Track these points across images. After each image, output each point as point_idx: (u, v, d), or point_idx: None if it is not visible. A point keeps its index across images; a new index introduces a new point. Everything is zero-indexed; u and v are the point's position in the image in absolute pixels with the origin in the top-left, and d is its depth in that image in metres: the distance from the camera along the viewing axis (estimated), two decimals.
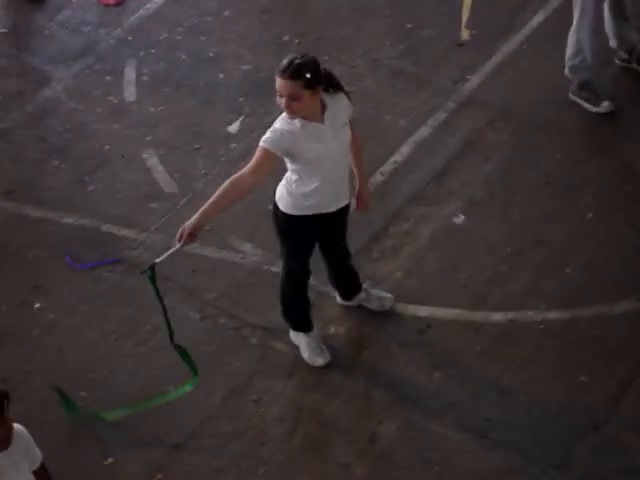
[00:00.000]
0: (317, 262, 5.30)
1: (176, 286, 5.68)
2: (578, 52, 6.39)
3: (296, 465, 4.98)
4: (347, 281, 5.45)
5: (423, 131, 6.50)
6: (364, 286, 5.51)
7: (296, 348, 5.36)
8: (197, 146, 6.49)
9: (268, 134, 4.71)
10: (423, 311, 5.55)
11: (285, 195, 4.91)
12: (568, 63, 6.47)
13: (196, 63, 7.01)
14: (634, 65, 6.67)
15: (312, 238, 5.10)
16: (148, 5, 7.42)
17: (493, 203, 6.08)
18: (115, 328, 5.55)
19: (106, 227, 6.04)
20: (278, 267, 5.49)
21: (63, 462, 4.44)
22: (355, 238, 5.63)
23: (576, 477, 4.84)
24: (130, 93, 6.83)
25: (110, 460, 4.99)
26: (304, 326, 5.30)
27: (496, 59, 6.91)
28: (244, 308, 5.60)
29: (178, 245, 4.74)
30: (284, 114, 4.74)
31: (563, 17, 6.79)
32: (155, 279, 4.76)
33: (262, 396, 5.22)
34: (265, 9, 7.37)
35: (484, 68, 6.83)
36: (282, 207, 4.93)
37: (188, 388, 5.03)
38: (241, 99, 6.75)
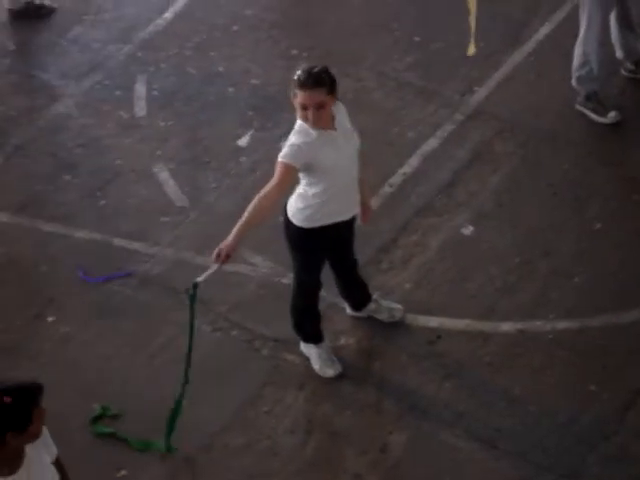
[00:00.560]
0: (327, 274, 5.33)
1: (187, 298, 5.70)
2: (585, 63, 6.43)
3: (307, 476, 5.00)
4: (356, 292, 5.48)
5: (431, 143, 6.54)
6: (374, 297, 5.54)
7: (307, 359, 5.40)
8: (207, 160, 6.54)
9: (286, 149, 4.74)
10: (433, 322, 5.57)
11: (299, 209, 4.94)
12: (575, 74, 6.51)
13: (205, 78, 7.07)
14: None
15: (325, 250, 5.14)
16: (158, 21, 7.48)
17: (501, 214, 6.11)
18: (128, 341, 5.59)
19: (118, 241, 6.08)
20: (289, 279, 5.53)
21: (76, 474, 4.45)
22: (364, 249, 5.67)
23: None
24: (140, 108, 6.89)
25: (123, 472, 5.03)
26: (315, 338, 5.34)
27: (503, 71, 6.95)
28: (255, 320, 5.63)
29: (216, 266, 4.77)
30: (298, 127, 4.77)
31: (569, 29, 6.83)
32: (195, 299, 4.77)
33: (273, 408, 5.25)
34: (273, 24, 7.42)
35: (491, 80, 6.86)
36: (296, 221, 4.95)
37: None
38: (250, 113, 6.80)
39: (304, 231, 4.96)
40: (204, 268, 5.72)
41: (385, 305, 5.54)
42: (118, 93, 6.99)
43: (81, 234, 6.13)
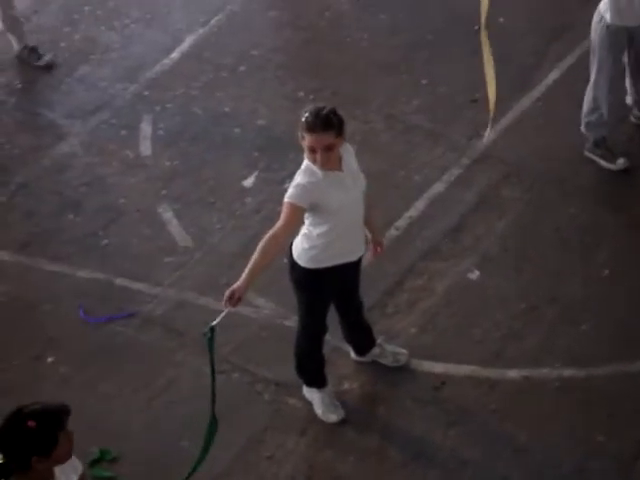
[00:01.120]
0: (332, 317, 5.28)
1: (189, 340, 5.66)
2: (595, 109, 6.40)
3: None
4: (361, 336, 5.42)
5: (438, 186, 6.51)
6: (378, 341, 5.48)
7: (309, 404, 5.33)
8: (212, 200, 6.51)
9: (292, 190, 4.68)
10: (438, 367, 5.51)
11: (304, 249, 4.89)
12: (584, 120, 6.48)
13: (211, 118, 7.06)
14: None
15: (330, 292, 5.08)
16: (164, 61, 7.49)
17: (508, 259, 6.06)
18: (128, 382, 5.52)
19: (120, 281, 6.03)
20: (292, 321, 5.48)
21: None
22: (369, 292, 5.62)
23: None
24: (146, 147, 6.87)
25: None
26: (318, 382, 5.27)
27: (511, 115, 6.93)
28: (257, 363, 5.57)
29: (230, 308, 4.69)
30: (304, 167, 4.74)
31: (578, 74, 6.82)
32: (213, 342, 4.70)
33: (275, 452, 5.17)
34: (280, 65, 7.42)
35: (499, 124, 6.84)
36: (301, 262, 4.90)
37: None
38: (256, 154, 6.78)
39: (309, 272, 4.91)
40: (207, 309, 5.71)
41: (390, 349, 5.48)
42: (124, 132, 6.98)
43: (83, 273, 6.09)
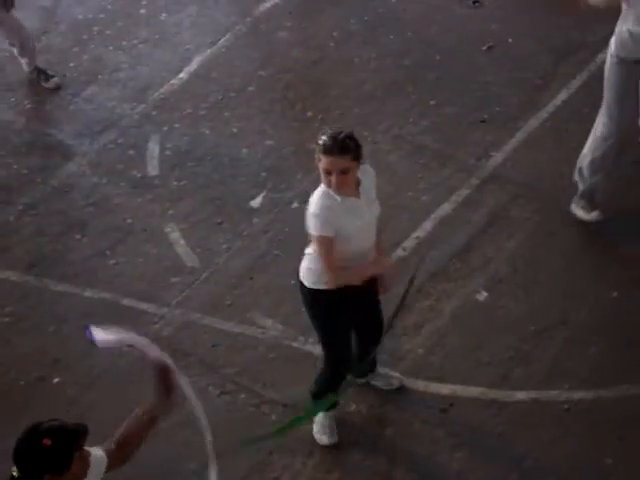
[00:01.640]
0: None
1: (195, 360, 5.64)
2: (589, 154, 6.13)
3: None
4: (367, 363, 5.36)
5: (446, 207, 6.48)
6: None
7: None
8: (219, 220, 6.49)
9: (314, 220, 4.65)
10: (445, 389, 5.47)
11: (311, 271, 4.84)
12: (578, 165, 6.24)
13: (219, 138, 7.05)
14: None
15: (343, 313, 4.95)
16: (173, 81, 7.49)
17: (516, 280, 6.03)
18: (134, 404, 5.48)
19: (127, 301, 6.02)
20: (299, 343, 5.46)
21: None
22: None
23: None
24: (153, 167, 6.87)
25: None
26: (328, 407, 5.21)
27: (520, 136, 6.90)
28: (264, 384, 5.54)
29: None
30: (319, 192, 4.69)
31: (587, 95, 6.81)
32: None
33: (281, 474, 5.14)
34: (288, 85, 7.42)
35: (507, 145, 6.82)
36: (307, 283, 4.86)
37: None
38: (264, 174, 6.76)
39: (316, 293, 4.87)
40: (212, 329, 5.71)
41: (382, 372, 5.41)
42: (131, 152, 6.97)
43: (90, 294, 6.07)
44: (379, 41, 7.73)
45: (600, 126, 6.03)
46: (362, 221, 4.74)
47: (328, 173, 4.62)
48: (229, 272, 6.15)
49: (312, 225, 4.67)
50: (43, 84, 7.43)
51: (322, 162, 4.63)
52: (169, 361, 3.98)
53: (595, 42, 6.82)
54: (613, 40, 5.81)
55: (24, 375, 5.64)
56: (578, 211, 6.29)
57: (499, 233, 6.31)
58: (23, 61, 7.49)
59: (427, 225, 6.37)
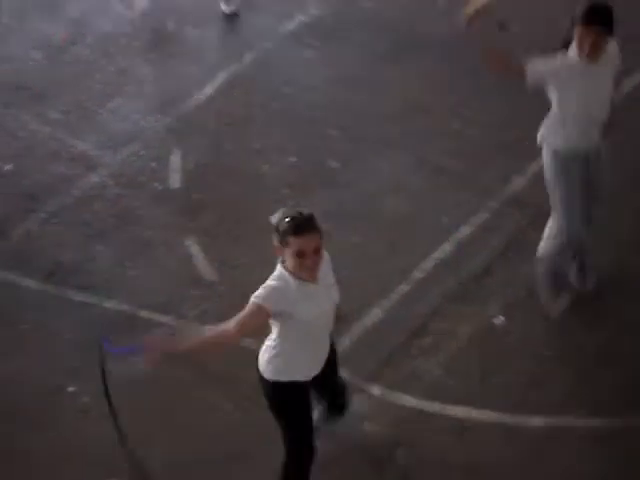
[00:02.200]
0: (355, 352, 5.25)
1: (210, 374, 5.65)
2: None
3: None
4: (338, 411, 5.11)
5: (465, 230, 6.48)
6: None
7: (329, 443, 5.26)
8: (238, 235, 6.51)
9: (262, 290, 4.39)
10: (461, 412, 5.45)
11: (269, 361, 4.58)
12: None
13: (241, 154, 7.08)
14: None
15: (302, 404, 4.68)
16: (197, 95, 7.53)
17: (533, 305, 6.01)
18: (150, 416, 5.50)
19: (145, 313, 6.03)
20: None
21: None
22: (394, 334, 5.58)
23: None
24: (175, 180, 6.90)
25: None
26: None
27: (541, 161, 6.89)
28: None
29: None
30: (277, 273, 4.42)
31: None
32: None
33: None
34: (312, 103, 7.44)
35: (529, 169, 6.81)
36: (265, 375, 4.60)
37: None
38: (285, 191, 6.78)
39: (273, 385, 4.61)
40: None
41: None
42: (154, 165, 7.01)
43: (108, 304, 6.09)
44: (404, 61, 7.75)
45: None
46: (318, 309, 4.45)
47: (301, 255, 4.31)
48: (247, 287, 6.12)
49: (258, 292, 4.39)
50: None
51: (292, 245, 4.32)
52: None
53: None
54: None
55: (40, 383, 5.66)
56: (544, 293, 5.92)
57: (517, 257, 6.30)
58: None
59: (446, 247, 6.37)
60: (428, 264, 6.27)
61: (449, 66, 7.65)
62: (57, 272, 6.30)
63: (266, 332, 4.62)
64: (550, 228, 5.77)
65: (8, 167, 7.01)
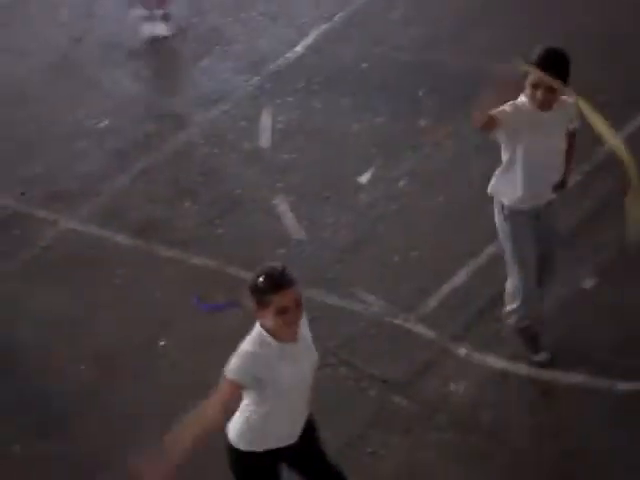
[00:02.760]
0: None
1: None
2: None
3: None
4: None
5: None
6: None
7: (415, 402, 5.28)
8: (327, 195, 6.53)
9: (236, 361, 4.01)
10: (547, 375, 5.41)
11: (245, 433, 4.18)
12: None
13: (331, 113, 7.08)
14: None
15: (277, 472, 4.31)
16: (288, 54, 7.54)
17: (625, 268, 5.91)
18: None
19: (233, 270, 6.10)
20: (401, 320, 5.45)
21: None
22: (481, 295, 5.56)
23: None
24: (264, 139, 6.94)
25: None
26: None
27: (636, 122, 6.76)
28: (364, 359, 5.56)
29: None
30: (256, 337, 4.06)
31: None
32: None
33: (377, 450, 5.16)
34: (402, 63, 7.40)
35: (624, 130, 6.67)
36: (232, 443, 4.19)
37: None
38: (373, 150, 6.77)
39: (244, 454, 4.21)
40: (314, 302, 5.74)
41: None
42: (243, 124, 7.05)
43: (197, 261, 6.17)
44: (495, 22, 7.65)
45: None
46: (299, 370, 4.11)
47: (284, 312, 3.98)
48: (334, 246, 6.19)
49: (231, 365, 4.02)
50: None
51: (275, 303, 3.98)
52: None
53: None
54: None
55: (132, 336, 5.77)
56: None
57: (608, 220, 6.20)
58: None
59: None
60: None
61: (540, 28, 7.54)
62: (147, 228, 6.40)
63: None
64: (507, 287, 5.30)
65: (102, 124, 7.12)
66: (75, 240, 6.35)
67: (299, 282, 4.03)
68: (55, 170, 6.81)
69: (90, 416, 5.25)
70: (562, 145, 5.02)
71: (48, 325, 5.84)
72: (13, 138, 7.10)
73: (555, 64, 4.74)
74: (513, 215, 5.05)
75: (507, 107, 4.84)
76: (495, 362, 5.50)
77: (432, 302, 5.72)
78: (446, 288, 5.83)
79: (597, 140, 6.59)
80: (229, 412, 4.13)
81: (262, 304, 4.01)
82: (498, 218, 5.11)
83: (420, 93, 7.15)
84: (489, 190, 5.09)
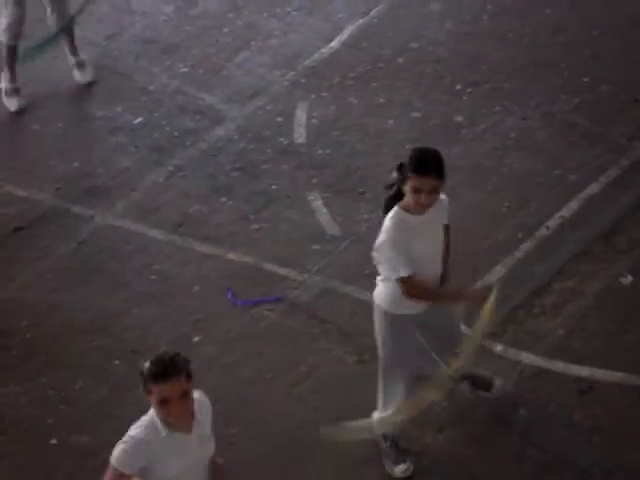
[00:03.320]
0: None
1: (334, 328, 5.68)
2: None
3: None
4: None
5: (593, 187, 6.33)
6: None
7: (451, 399, 5.24)
8: (362, 190, 6.50)
9: (120, 447, 3.85)
10: (585, 371, 5.36)
11: None
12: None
13: (366, 108, 7.05)
14: None
15: None
16: (323, 49, 7.52)
17: None
18: (270, 367, 5.57)
19: (268, 266, 6.09)
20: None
21: None
22: (516, 292, 5.52)
23: None
24: (300, 135, 6.92)
25: None
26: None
27: None
28: None
29: None
30: (147, 420, 3.89)
31: None
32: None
33: (411, 446, 5.13)
34: (439, 58, 7.36)
35: None
36: None
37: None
38: (408, 146, 6.71)
39: None
40: (350, 298, 5.75)
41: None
42: (279, 119, 7.04)
43: (233, 256, 6.17)
44: (534, 15, 7.58)
45: None
46: (187, 463, 3.92)
47: (164, 403, 3.80)
48: (369, 242, 6.10)
49: (116, 452, 3.86)
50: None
51: (154, 392, 3.83)
52: None
53: None
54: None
55: (166, 332, 5.77)
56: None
57: None
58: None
59: (573, 204, 6.24)
60: (553, 222, 6.15)
61: (583, 19, 7.47)
62: (183, 223, 6.40)
63: None
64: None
65: (138, 120, 7.14)
66: (111, 235, 6.37)
67: (188, 373, 3.85)
68: (91, 166, 6.83)
69: (124, 411, 5.26)
70: (442, 241, 4.84)
71: (83, 320, 5.86)
72: (48, 134, 7.13)
73: (434, 165, 4.63)
74: (392, 322, 4.86)
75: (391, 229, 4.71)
76: (532, 359, 5.45)
77: None
78: (481, 285, 5.79)
79: (637, 134, 6.58)
80: None
81: (146, 391, 3.86)
82: (376, 323, 4.92)
83: (457, 87, 7.10)
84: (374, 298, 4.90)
